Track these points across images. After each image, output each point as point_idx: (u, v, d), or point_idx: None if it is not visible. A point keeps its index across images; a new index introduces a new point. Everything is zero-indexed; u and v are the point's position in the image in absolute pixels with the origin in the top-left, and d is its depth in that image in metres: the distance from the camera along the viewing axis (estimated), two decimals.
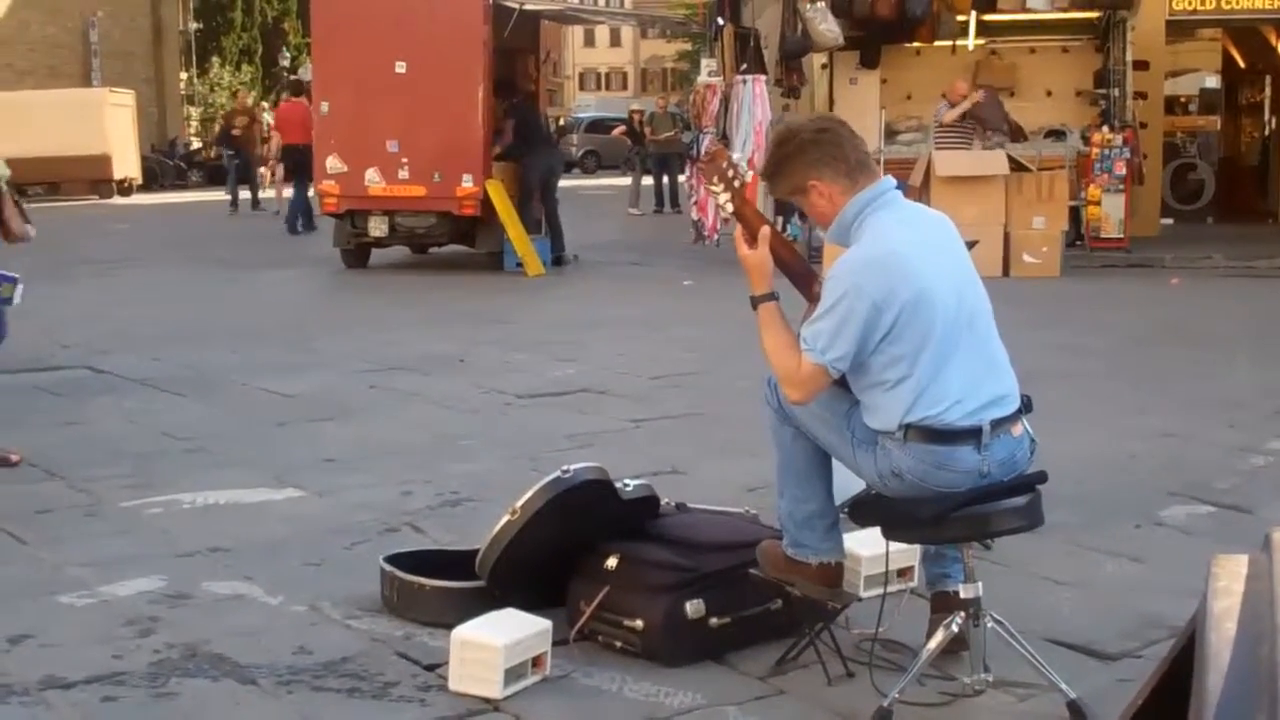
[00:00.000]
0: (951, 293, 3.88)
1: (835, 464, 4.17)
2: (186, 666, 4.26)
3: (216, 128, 33.64)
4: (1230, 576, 1.58)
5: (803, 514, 4.15)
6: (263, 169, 26.47)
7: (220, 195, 27.94)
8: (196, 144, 47.23)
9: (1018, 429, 3.91)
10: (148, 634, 4.53)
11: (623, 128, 32.10)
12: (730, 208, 4.19)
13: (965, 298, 3.93)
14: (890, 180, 4.05)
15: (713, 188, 4.25)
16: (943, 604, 4.13)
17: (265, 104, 29.16)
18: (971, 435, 3.80)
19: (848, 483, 4.32)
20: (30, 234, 6.92)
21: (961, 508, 3.82)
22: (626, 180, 27.60)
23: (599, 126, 49.24)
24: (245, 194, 26.62)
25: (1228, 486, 6.39)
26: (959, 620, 3.90)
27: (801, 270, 4.15)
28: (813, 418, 4.04)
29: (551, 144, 18.12)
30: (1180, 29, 22.24)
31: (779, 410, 4.12)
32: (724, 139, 17.38)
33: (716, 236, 17.52)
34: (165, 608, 4.78)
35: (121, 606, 4.80)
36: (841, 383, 3.96)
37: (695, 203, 18.07)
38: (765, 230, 4.06)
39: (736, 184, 4.20)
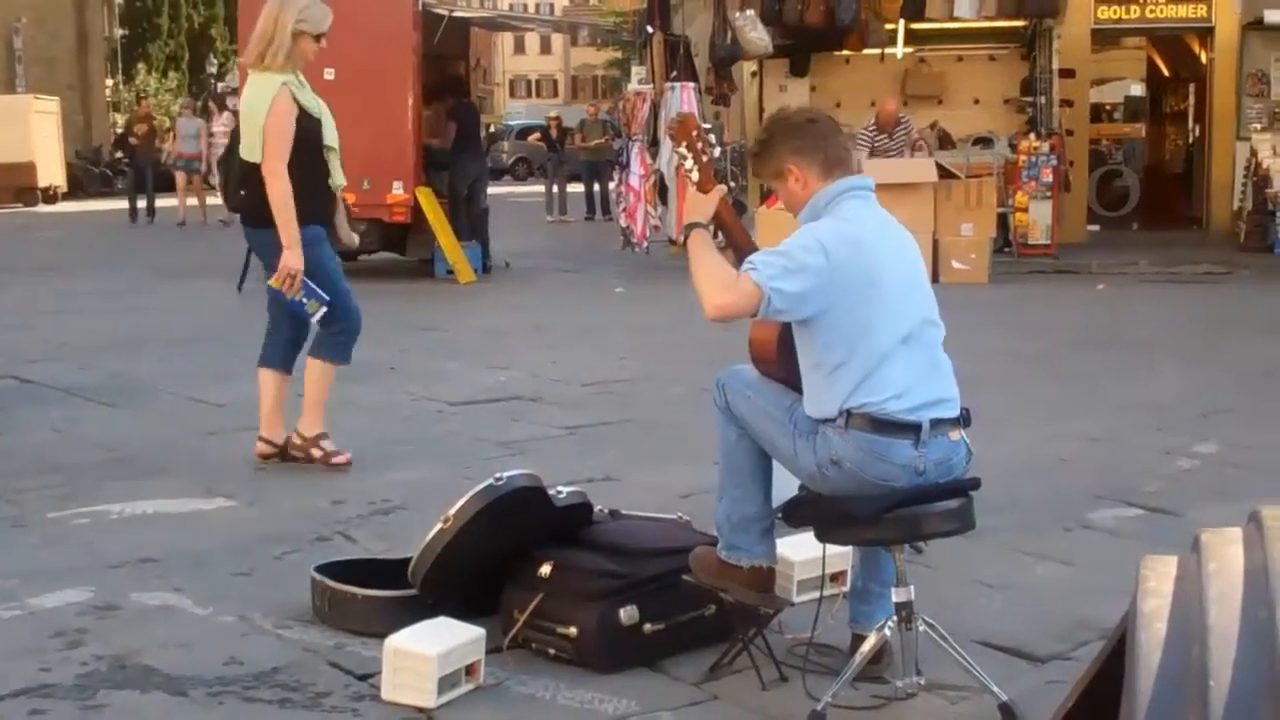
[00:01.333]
0: (904, 292, 3.97)
1: (774, 471, 4.20)
2: (115, 678, 4.21)
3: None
4: (1159, 578, 1.60)
5: (740, 515, 4.17)
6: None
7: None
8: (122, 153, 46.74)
9: (956, 434, 3.95)
10: (76, 646, 4.48)
11: (538, 134, 32.08)
12: (695, 177, 4.20)
13: (918, 303, 4.01)
14: (869, 178, 4.14)
15: (680, 152, 4.24)
16: (859, 646, 4.11)
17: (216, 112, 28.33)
18: (911, 430, 3.85)
19: (784, 489, 4.33)
20: (355, 241, 7.20)
21: (895, 508, 3.85)
22: (554, 188, 27.59)
23: (529, 134, 49.24)
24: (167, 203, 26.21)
25: (1155, 489, 6.47)
26: (890, 623, 3.93)
27: (749, 249, 4.17)
28: (757, 412, 4.09)
29: (481, 150, 18.03)
30: (1105, 37, 22.52)
31: (726, 410, 4.16)
32: (654, 146, 17.42)
33: (646, 244, 17.54)
34: (93, 619, 4.73)
35: (49, 618, 4.74)
36: (790, 381, 4.02)
37: (624, 210, 18.09)
38: (721, 188, 4.16)
39: (705, 158, 4.21)
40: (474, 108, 17.44)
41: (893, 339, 3.89)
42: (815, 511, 4.07)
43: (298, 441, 6.87)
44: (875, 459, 3.85)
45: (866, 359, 3.86)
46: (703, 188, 4.18)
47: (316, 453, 6.84)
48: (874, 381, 3.86)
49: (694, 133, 4.24)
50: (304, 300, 6.56)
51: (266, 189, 6.46)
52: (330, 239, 6.84)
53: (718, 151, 4.33)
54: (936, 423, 3.89)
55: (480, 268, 16.15)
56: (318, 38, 6.58)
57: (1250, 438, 7.57)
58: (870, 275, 3.88)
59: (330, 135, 6.70)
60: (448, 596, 4.45)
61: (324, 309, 6.62)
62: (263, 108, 6.45)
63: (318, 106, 6.67)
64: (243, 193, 6.69)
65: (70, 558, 5.45)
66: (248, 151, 6.56)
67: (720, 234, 4.24)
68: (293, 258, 6.46)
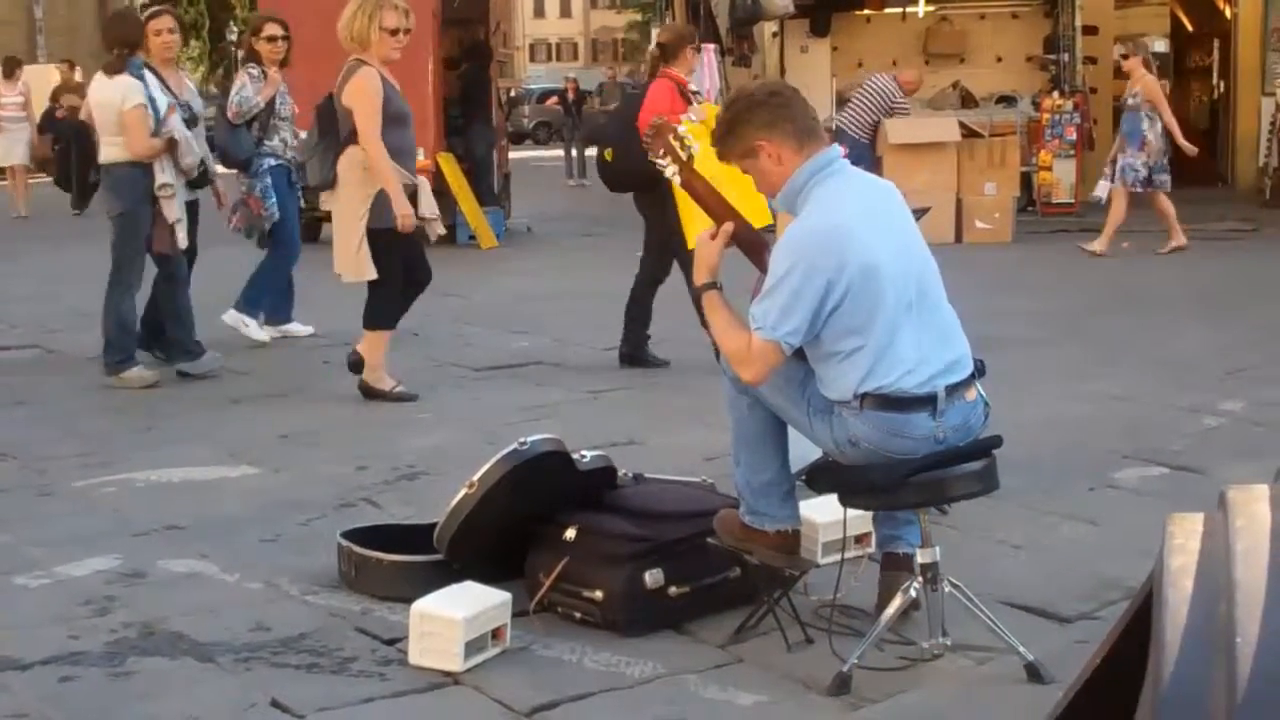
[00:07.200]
0: (899, 262, 3.92)
1: (792, 432, 4.19)
2: (144, 645, 4.24)
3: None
4: (1186, 535, 1.60)
5: (759, 482, 4.17)
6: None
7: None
8: None
9: (971, 393, 3.94)
10: (104, 613, 4.51)
11: (555, 98, 31.95)
12: (678, 180, 4.20)
13: (914, 267, 3.97)
14: (837, 149, 4.13)
15: (657, 160, 4.24)
16: (892, 563, 4.21)
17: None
18: (927, 402, 3.84)
19: (805, 451, 4.33)
20: None
21: (917, 473, 3.84)
22: (573, 151, 27.46)
23: (549, 98, 49.21)
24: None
25: (1180, 448, 6.44)
26: (916, 584, 3.93)
27: (754, 240, 4.16)
28: (769, 388, 4.06)
29: (489, 117, 17.73)
30: None
31: (735, 379, 4.13)
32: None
33: None
34: (121, 587, 4.76)
35: (77, 586, 4.77)
36: (797, 353, 3.98)
37: None
38: (728, 226, 4.07)
39: (685, 156, 4.20)
40: (480, 73, 17.21)
41: (899, 314, 3.86)
42: (838, 479, 4.07)
43: None
44: (893, 436, 3.84)
45: (880, 338, 3.83)
46: (687, 184, 4.16)
47: None
48: (886, 361, 3.84)
49: (670, 137, 4.22)
50: None
51: None
52: None
53: (696, 149, 4.30)
54: (952, 388, 3.88)
55: (502, 234, 16.10)
56: None
57: (1276, 395, 7.52)
58: (864, 265, 3.82)
59: None
60: (473, 561, 4.47)
61: None
62: None
63: None
64: None
65: (97, 526, 5.48)
66: None
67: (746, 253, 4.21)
68: None
